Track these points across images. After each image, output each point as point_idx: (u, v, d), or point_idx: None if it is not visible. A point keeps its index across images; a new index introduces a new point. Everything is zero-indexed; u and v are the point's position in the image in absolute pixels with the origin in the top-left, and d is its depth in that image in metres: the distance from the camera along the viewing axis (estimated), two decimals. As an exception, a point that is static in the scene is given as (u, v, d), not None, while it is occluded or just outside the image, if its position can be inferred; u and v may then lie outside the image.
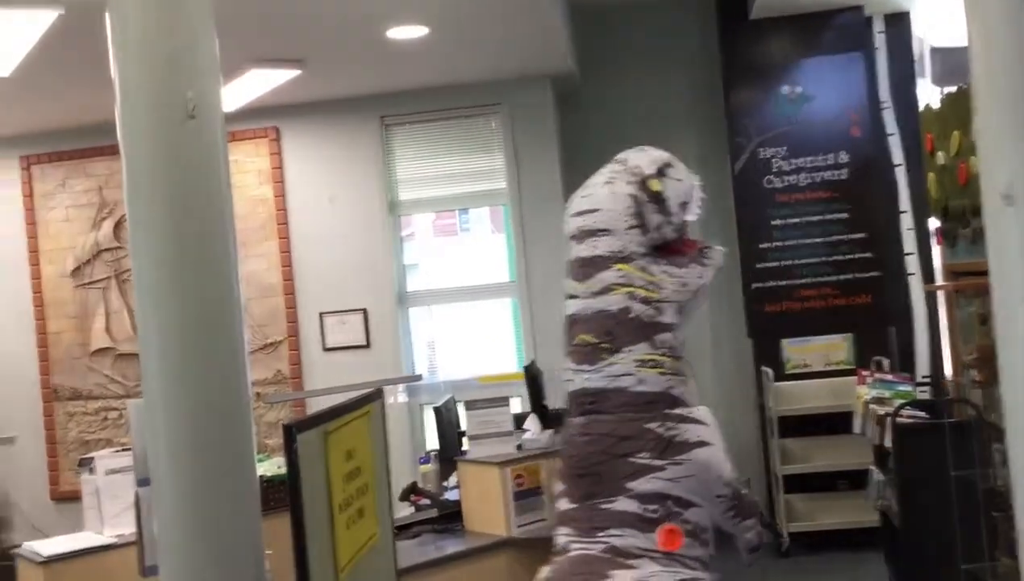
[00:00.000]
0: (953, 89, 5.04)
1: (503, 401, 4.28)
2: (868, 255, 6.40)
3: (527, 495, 4.14)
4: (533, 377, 4.72)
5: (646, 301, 2.82)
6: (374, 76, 6.05)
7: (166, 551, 2.45)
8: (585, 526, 2.78)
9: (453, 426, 4.55)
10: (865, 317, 6.38)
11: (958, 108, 4.76)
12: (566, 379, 2.95)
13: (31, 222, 6.67)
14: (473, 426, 4.26)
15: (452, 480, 4.57)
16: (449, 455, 4.47)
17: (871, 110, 6.49)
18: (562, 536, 2.86)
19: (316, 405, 6.37)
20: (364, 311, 6.48)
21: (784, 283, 6.50)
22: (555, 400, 5.03)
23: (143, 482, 2.64)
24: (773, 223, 6.50)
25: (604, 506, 2.74)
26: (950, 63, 7.51)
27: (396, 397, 6.35)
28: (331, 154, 6.55)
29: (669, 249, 2.98)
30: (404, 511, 4.51)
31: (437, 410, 4.46)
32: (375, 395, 2.30)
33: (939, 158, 4.90)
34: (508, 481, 4.09)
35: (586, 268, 2.95)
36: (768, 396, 6.31)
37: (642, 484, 2.72)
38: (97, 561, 3.27)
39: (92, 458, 3.95)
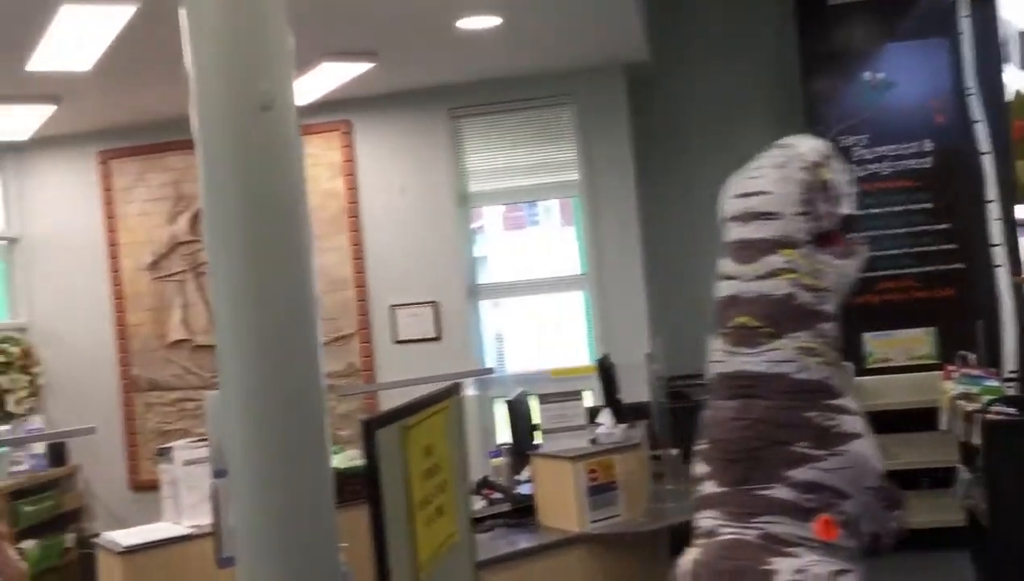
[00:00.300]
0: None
1: (576, 395, 4.23)
2: (952, 246, 6.19)
3: (601, 490, 4.08)
4: (607, 370, 4.65)
5: (811, 289, 2.79)
6: (444, 68, 6.02)
7: (242, 542, 2.46)
8: (737, 511, 2.74)
9: (525, 420, 4.50)
10: (949, 310, 6.18)
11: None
12: (716, 360, 2.90)
13: (110, 216, 6.79)
14: (546, 420, 4.21)
15: (524, 474, 4.54)
16: (521, 449, 4.43)
17: (956, 97, 6.26)
18: (708, 519, 2.82)
19: (387, 398, 6.39)
20: (435, 304, 6.47)
21: (865, 275, 6.26)
22: (628, 394, 4.97)
23: (219, 473, 2.65)
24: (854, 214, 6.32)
25: (760, 492, 2.70)
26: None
27: (466, 391, 6.33)
28: (402, 147, 6.54)
29: (828, 240, 2.94)
30: (476, 505, 4.47)
31: (510, 403, 4.42)
32: (453, 390, 2.26)
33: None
34: (582, 476, 4.03)
35: (748, 250, 2.91)
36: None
37: (801, 473, 2.69)
38: (175, 552, 3.29)
39: (170, 448, 3.96)
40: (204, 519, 3.25)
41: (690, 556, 2.85)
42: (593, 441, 4.22)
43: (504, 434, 5.52)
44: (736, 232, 2.99)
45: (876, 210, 6.30)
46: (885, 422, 5.98)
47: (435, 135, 6.47)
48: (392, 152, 6.54)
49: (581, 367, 5.43)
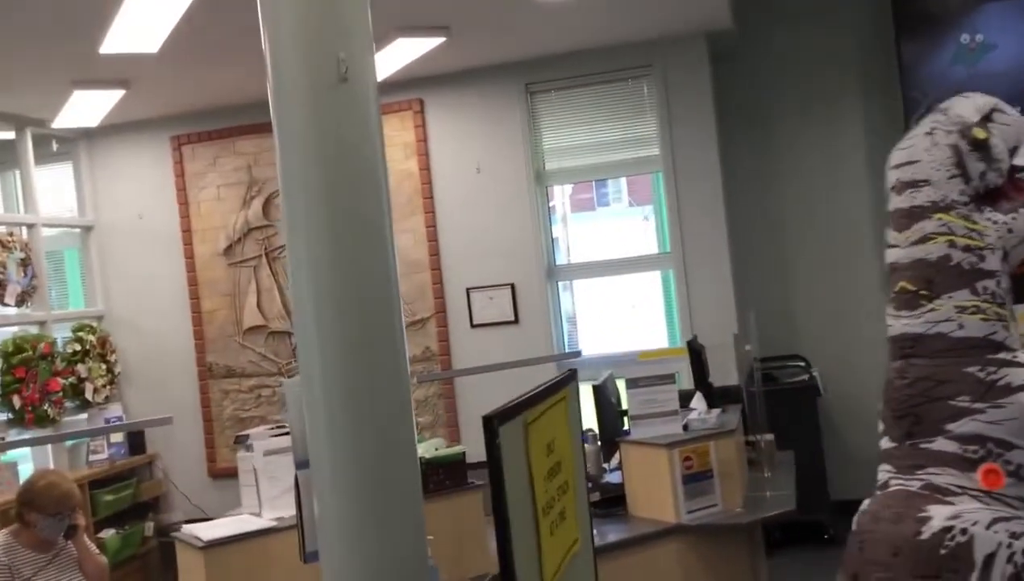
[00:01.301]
0: None
1: (668, 378, 4.01)
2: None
3: (697, 479, 3.87)
4: (696, 353, 4.42)
5: (967, 249, 2.87)
6: (518, 42, 5.82)
7: (326, 536, 2.34)
8: (904, 464, 2.87)
9: (613, 405, 4.30)
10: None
11: None
12: (888, 324, 3.07)
13: (183, 202, 6.73)
14: (636, 405, 4.00)
15: (613, 462, 4.35)
16: (609, 436, 4.23)
17: (1061, 58, 5.89)
18: (883, 472, 2.98)
19: (465, 384, 6.25)
20: (512, 286, 6.29)
21: (964, 249, 5.97)
22: (715, 377, 4.73)
23: (302, 464, 2.54)
24: (954, 185, 5.99)
25: (923, 446, 2.83)
26: None
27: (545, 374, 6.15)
28: (475, 125, 6.36)
29: (997, 194, 2.98)
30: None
31: (596, 388, 4.22)
32: (570, 377, 2.08)
33: None
34: (677, 464, 3.83)
35: (905, 218, 3.01)
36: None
37: (962, 426, 2.79)
38: (257, 545, 3.17)
39: (248, 435, 3.93)
40: (286, 511, 3.13)
41: (863, 506, 3.00)
42: (685, 427, 4.00)
43: (589, 420, 5.33)
44: (893, 202, 3.09)
45: (976, 180, 5.96)
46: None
47: (509, 112, 6.27)
48: (466, 131, 6.36)
49: (669, 350, 5.22)
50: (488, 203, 6.32)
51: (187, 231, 6.73)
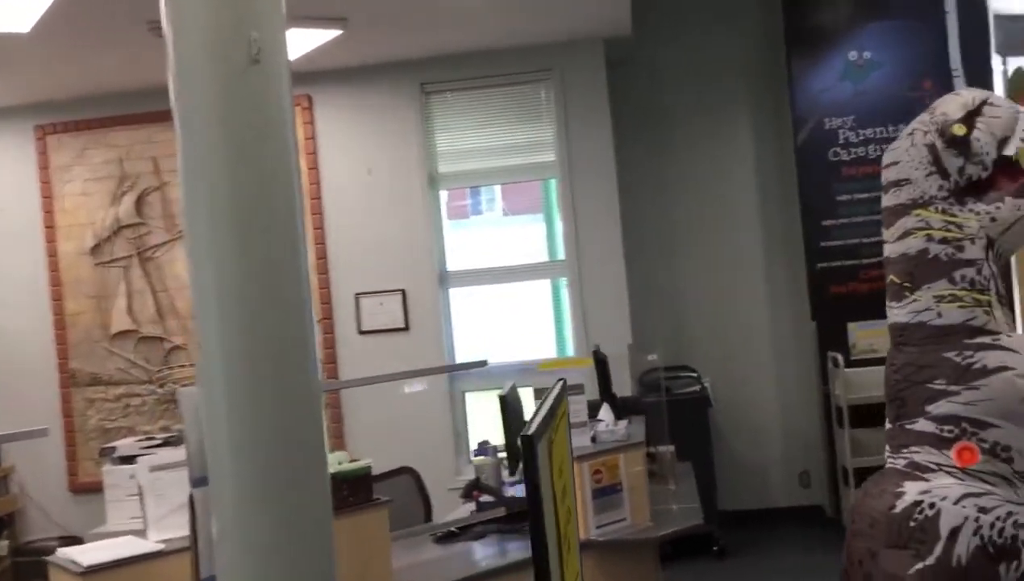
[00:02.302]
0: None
1: (577, 389, 3.88)
2: (941, 233, 5.98)
3: (606, 492, 3.76)
4: (601, 363, 4.32)
5: (944, 241, 3.01)
6: (416, 39, 5.63)
7: (226, 559, 2.13)
8: (894, 444, 3.05)
9: (519, 416, 4.15)
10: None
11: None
12: (888, 314, 3.21)
13: (47, 196, 6.26)
14: (543, 416, 3.86)
15: (516, 475, 4.20)
16: (514, 447, 4.07)
17: (942, 79, 6.07)
18: (885, 453, 3.14)
19: (351, 393, 6.00)
20: (403, 292, 6.08)
21: (850, 263, 6.11)
22: (623, 387, 4.66)
23: (199, 481, 2.32)
24: (839, 198, 6.12)
25: (907, 427, 2.99)
26: (1015, 32, 7.10)
27: (433, 384, 5.96)
28: (367, 125, 6.13)
29: (985, 185, 3.07)
30: (465, 510, 4.13)
31: (503, 398, 4.06)
32: (567, 389, 1.94)
33: None
34: (586, 477, 3.70)
35: (892, 216, 3.15)
36: (835, 383, 5.92)
37: (938, 408, 2.93)
38: (143, 570, 2.89)
39: (115, 447, 3.71)
40: (177, 532, 2.87)
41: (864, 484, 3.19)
42: (594, 439, 3.89)
43: (483, 431, 5.18)
44: (884, 201, 3.21)
45: (862, 195, 6.09)
46: (872, 415, 5.81)
47: (404, 112, 6.07)
48: (357, 130, 6.13)
49: (572, 359, 5.11)
50: (379, 206, 6.10)
51: (50, 227, 6.26)
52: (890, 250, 3.12)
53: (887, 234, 3.15)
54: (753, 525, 6.35)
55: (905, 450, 2.98)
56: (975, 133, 3.03)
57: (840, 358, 5.90)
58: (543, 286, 6.76)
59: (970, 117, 3.06)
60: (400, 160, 6.09)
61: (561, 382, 1.93)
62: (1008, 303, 3.12)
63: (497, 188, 10.68)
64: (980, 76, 6.07)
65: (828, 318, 6.14)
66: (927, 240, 3.02)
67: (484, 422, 6.26)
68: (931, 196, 3.04)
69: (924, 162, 3.05)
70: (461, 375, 6.07)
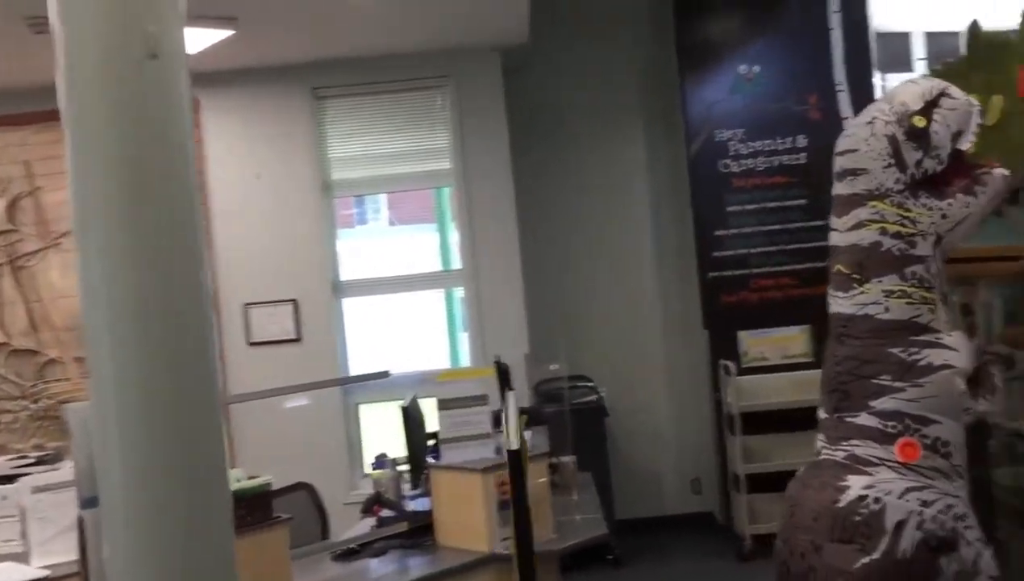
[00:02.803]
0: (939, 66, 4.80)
1: (481, 399, 3.81)
2: (827, 243, 6.10)
3: (511, 504, 3.69)
4: (504, 372, 4.25)
5: (898, 235, 2.99)
6: (308, 42, 5.49)
7: None
8: (832, 435, 3.02)
9: (421, 427, 4.06)
10: (824, 308, 6.12)
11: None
12: (828, 303, 3.20)
13: (-93, 201, 5.87)
14: (447, 428, 3.78)
15: (413, 489, 4.10)
16: (418, 460, 3.98)
17: (828, 93, 6.25)
18: (818, 441, 3.13)
19: (239, 406, 5.78)
20: (294, 302, 5.91)
21: (741, 272, 6.21)
22: (519, 398, 4.59)
23: (89, 502, 2.19)
24: (729, 209, 6.22)
25: (849, 419, 2.98)
26: (892, 49, 7.38)
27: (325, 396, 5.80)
28: (257, 129, 5.95)
29: (938, 180, 3.06)
30: (364, 526, 4.01)
31: (406, 410, 3.96)
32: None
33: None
34: (492, 489, 3.63)
35: (844, 205, 3.10)
36: (727, 391, 6.00)
37: (882, 403, 2.94)
38: (24, 600, 2.69)
39: None
40: (63, 557, 2.71)
41: (797, 474, 3.15)
42: (498, 450, 3.82)
43: (378, 443, 5.05)
44: (835, 188, 3.18)
45: (752, 206, 6.21)
46: (762, 422, 5.93)
47: (295, 117, 5.91)
48: (246, 135, 5.94)
49: (473, 369, 5.03)
50: (269, 213, 5.92)
51: (-90, 234, 5.88)
52: (840, 239, 3.10)
53: (837, 223, 3.12)
54: (647, 533, 6.39)
55: (845, 442, 2.97)
56: (933, 126, 3.01)
57: (732, 366, 5.99)
58: (438, 296, 6.68)
59: (928, 109, 3.03)
60: (291, 166, 5.93)
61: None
62: (947, 301, 3.14)
63: (383, 197, 10.57)
64: (862, 91, 6.27)
65: (720, 327, 6.23)
66: (880, 233, 3.00)
67: (379, 435, 6.14)
68: (887, 188, 3.01)
69: (883, 153, 3.01)
70: (354, 387, 5.93)
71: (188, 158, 2.13)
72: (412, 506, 4.03)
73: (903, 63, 7.50)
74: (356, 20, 5.04)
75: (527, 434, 3.94)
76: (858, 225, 3.03)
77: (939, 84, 3.12)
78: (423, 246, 7.49)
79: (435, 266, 6.68)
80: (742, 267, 6.21)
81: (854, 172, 3.07)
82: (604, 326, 6.57)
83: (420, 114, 6.03)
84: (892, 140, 3.01)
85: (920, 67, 7.51)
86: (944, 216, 3.02)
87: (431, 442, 4.02)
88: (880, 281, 2.97)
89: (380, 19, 5.07)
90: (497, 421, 4.00)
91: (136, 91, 2.06)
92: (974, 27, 4.28)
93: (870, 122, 3.08)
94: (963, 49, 7.48)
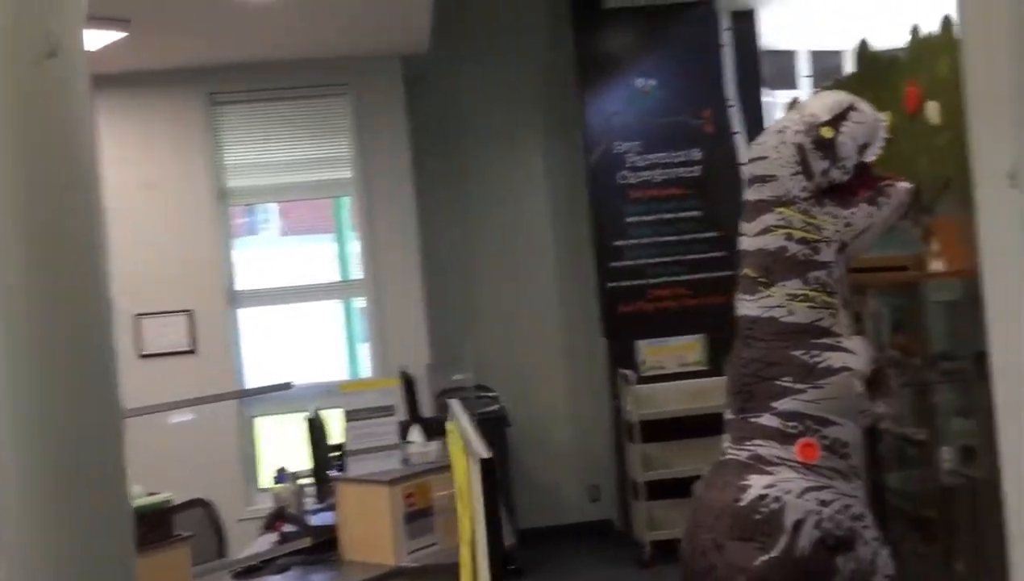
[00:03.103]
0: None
1: (388, 410, 3.77)
2: (720, 254, 6.28)
3: (418, 516, 3.66)
4: (409, 383, 4.23)
5: (803, 241, 3.06)
6: (205, 46, 5.36)
7: None
8: (737, 435, 3.09)
9: (325, 439, 3.99)
10: (718, 318, 6.26)
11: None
12: (735, 306, 3.24)
13: None
14: (353, 439, 3.72)
15: (318, 502, 4.03)
16: (322, 473, 3.91)
17: (721, 107, 6.40)
18: (724, 441, 3.17)
19: (129, 424, 5.57)
20: (189, 313, 5.75)
21: (638, 282, 6.30)
22: (429, 408, 4.57)
23: None
24: (627, 220, 6.30)
25: (752, 420, 3.05)
26: (780, 66, 7.61)
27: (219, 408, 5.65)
28: (150, 135, 5.78)
29: (843, 189, 3.13)
30: (266, 542, 3.91)
31: (311, 421, 3.89)
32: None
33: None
34: (399, 501, 3.59)
35: (753, 211, 3.16)
36: (626, 400, 6.08)
37: (784, 404, 3.01)
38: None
39: None
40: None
41: (704, 473, 3.23)
42: (405, 462, 3.79)
43: (276, 457, 4.95)
44: (745, 194, 3.25)
45: (649, 217, 6.31)
46: (660, 430, 6.02)
47: (190, 122, 5.77)
48: (139, 141, 5.76)
49: (376, 380, 4.97)
50: (163, 221, 5.75)
51: None
52: (748, 244, 3.17)
53: (746, 228, 3.20)
54: (548, 542, 6.41)
55: (748, 442, 3.06)
56: (840, 137, 3.10)
57: (631, 375, 6.07)
58: (336, 306, 6.59)
59: (837, 120, 3.13)
60: (186, 173, 5.78)
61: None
62: (848, 306, 3.22)
63: (275, 206, 10.41)
64: (753, 106, 6.45)
65: (618, 336, 6.30)
66: (786, 238, 3.08)
67: (277, 448, 6.02)
68: (794, 195, 3.10)
69: (791, 161, 3.10)
70: (251, 400, 5.79)
71: (91, 158, 2.07)
72: (316, 520, 3.95)
73: (789, 81, 7.72)
74: (254, 25, 4.94)
75: (433, 445, 3.93)
76: (765, 230, 3.11)
77: (848, 98, 3.22)
78: (319, 256, 7.37)
79: (334, 276, 6.58)
80: (639, 277, 6.30)
81: (763, 178, 3.15)
82: (505, 336, 6.58)
83: (320, 122, 5.95)
84: (800, 149, 3.10)
85: (805, 84, 7.74)
86: (848, 224, 3.11)
87: (335, 454, 3.96)
88: (785, 285, 3.06)
89: (279, 24, 4.98)
90: (404, 432, 3.98)
91: (35, 90, 1.99)
92: (863, 46, 4.45)
93: (780, 131, 3.18)
94: (847, 67, 7.79)
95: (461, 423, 1.68)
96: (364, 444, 3.73)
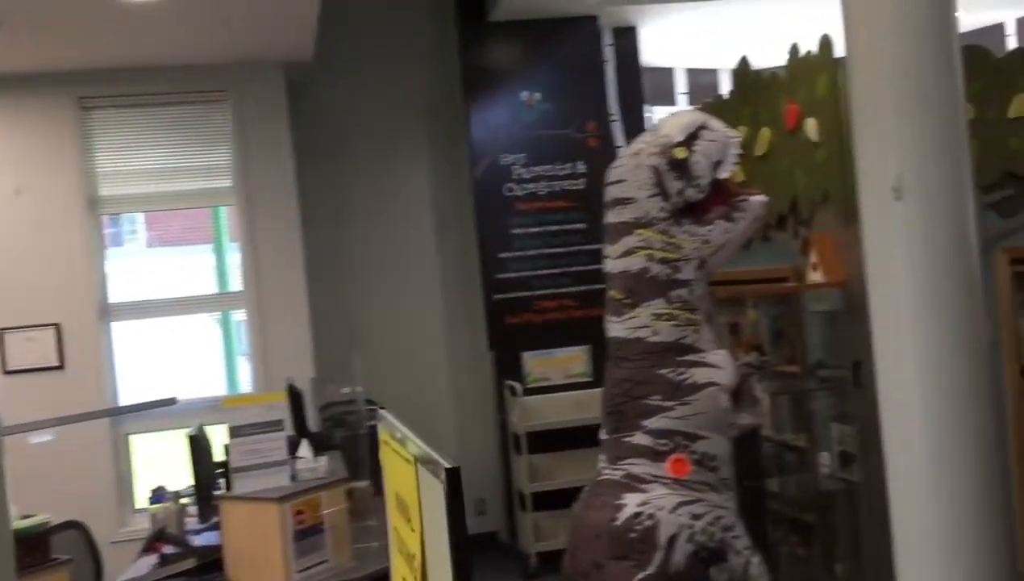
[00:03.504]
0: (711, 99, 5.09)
1: (276, 425, 3.66)
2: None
3: (308, 534, 3.56)
4: (296, 397, 4.13)
5: (663, 261, 3.08)
6: (77, 48, 5.13)
7: None
8: (611, 455, 3.13)
9: (209, 456, 3.86)
10: (602, 329, 6.34)
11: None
12: (606, 327, 3.28)
13: None
14: (239, 456, 3.60)
15: (201, 521, 3.89)
16: (206, 492, 3.77)
17: (604, 121, 6.49)
18: (600, 461, 3.21)
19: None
20: (57, 326, 5.48)
21: (524, 294, 6.32)
22: (316, 422, 4.47)
23: None
24: (513, 232, 6.32)
25: (625, 439, 3.08)
26: (659, 83, 7.79)
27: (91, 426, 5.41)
28: (16, 141, 5.49)
29: (699, 208, 3.15)
30: (144, 565, 3.75)
31: (193, 439, 3.75)
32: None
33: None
34: (288, 519, 3.49)
35: (615, 234, 3.19)
36: (512, 412, 6.08)
37: (654, 422, 3.04)
38: None
39: None
40: None
41: (581, 494, 3.24)
42: (294, 478, 3.69)
43: (153, 476, 4.77)
44: (606, 217, 3.26)
45: (535, 229, 6.34)
46: (546, 441, 6.04)
47: (59, 128, 5.50)
48: (4, 145, 5.46)
49: (260, 395, 4.82)
50: (30, 230, 5.47)
51: None
52: (612, 266, 3.20)
53: (610, 250, 3.22)
54: (433, 556, 6.34)
55: (622, 462, 3.07)
56: (693, 156, 3.12)
57: (518, 387, 6.08)
58: (214, 319, 6.40)
59: (689, 140, 3.15)
60: (55, 180, 5.52)
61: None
62: (711, 320, 3.28)
63: (142, 217, 10.08)
64: (634, 121, 6.56)
65: (504, 348, 6.30)
66: (647, 259, 3.10)
67: (154, 466, 5.80)
68: (653, 217, 3.12)
69: (648, 183, 3.12)
70: (125, 416, 5.56)
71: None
72: (199, 541, 3.82)
73: (668, 97, 7.91)
74: (131, 27, 4.76)
75: (322, 460, 3.85)
76: (627, 252, 3.14)
77: (700, 117, 3.25)
78: (194, 267, 7.16)
79: (211, 288, 6.40)
80: (525, 289, 6.32)
81: (623, 201, 3.18)
82: (391, 349, 6.49)
83: (199, 129, 5.77)
84: (655, 170, 3.13)
85: (682, 101, 7.94)
86: (706, 241, 3.15)
87: (220, 471, 3.83)
88: (649, 305, 3.09)
89: (158, 27, 4.81)
90: (293, 448, 3.88)
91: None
92: (743, 64, 4.58)
93: (636, 153, 3.22)
94: (723, 85, 8.00)
95: (403, 432, 1.63)
96: (250, 461, 3.61)
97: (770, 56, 5.29)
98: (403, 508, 1.63)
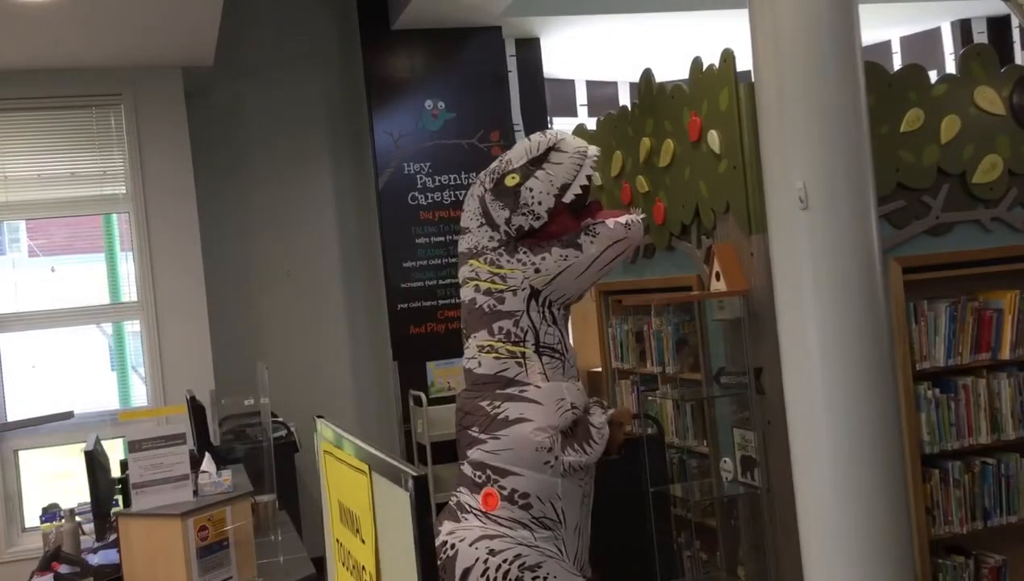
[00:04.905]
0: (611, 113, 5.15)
1: (178, 439, 3.55)
2: (509, 275, 6.37)
3: (212, 550, 3.46)
4: (199, 410, 4.02)
5: (488, 292, 3.03)
6: (-39, 48, 4.92)
7: None
8: (455, 480, 3.17)
9: (107, 472, 3.72)
10: (505, 338, 6.35)
11: (616, 131, 4.86)
12: None
13: None
14: (139, 471, 3.48)
15: (98, 539, 3.74)
16: (104, 509, 3.64)
17: (509, 131, 6.52)
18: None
19: None
20: (-62, 338, 5.23)
21: (428, 304, 6.29)
22: (216, 436, 4.36)
23: None
24: (417, 241, 6.28)
25: (460, 467, 3.14)
26: (560, 94, 7.86)
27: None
28: None
29: (545, 233, 3.04)
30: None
31: (90, 454, 3.60)
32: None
33: (595, 180, 4.96)
34: (191, 535, 3.39)
35: (459, 263, 3.19)
36: (417, 421, 6.04)
37: (473, 454, 3.06)
38: None
39: None
40: None
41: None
42: (196, 493, 3.58)
43: (44, 493, 4.58)
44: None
45: (438, 238, 6.32)
46: (451, 451, 5.98)
47: (-58, 131, 5.26)
48: None
49: (159, 408, 4.68)
50: (-91, 238, 5.21)
51: None
52: (461, 295, 3.20)
53: (460, 279, 3.23)
54: (337, 570, 6.25)
55: (456, 489, 3.12)
56: (529, 182, 2.98)
57: (423, 396, 6.04)
58: (106, 331, 6.18)
59: (528, 166, 3.03)
60: (-64, 186, 5.26)
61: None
62: (559, 350, 3.15)
63: (22, 224, 9.68)
64: (538, 131, 6.59)
65: (409, 358, 6.26)
66: (475, 290, 3.08)
67: (45, 484, 5.57)
68: (483, 246, 3.07)
69: (477, 213, 3.09)
70: (12, 432, 5.32)
71: None
72: (96, 560, 3.68)
73: (569, 108, 7.99)
74: (14, 28, 4.57)
75: (226, 473, 3.75)
76: (464, 282, 3.15)
77: (552, 138, 3.11)
78: (82, 277, 6.89)
79: (103, 298, 6.17)
80: (429, 298, 6.29)
81: (462, 230, 3.19)
82: (294, 359, 6.38)
83: (91, 134, 5.57)
84: (481, 200, 3.09)
85: (582, 112, 8.03)
86: (537, 270, 3.04)
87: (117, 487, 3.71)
88: (475, 337, 3.09)
89: (47, 29, 4.63)
90: (195, 462, 3.77)
91: None
92: (647, 76, 4.64)
93: (474, 182, 3.19)
94: (622, 97, 8.12)
95: (353, 441, 1.59)
96: (151, 476, 3.50)
97: (670, 69, 5.40)
98: (349, 519, 1.60)
